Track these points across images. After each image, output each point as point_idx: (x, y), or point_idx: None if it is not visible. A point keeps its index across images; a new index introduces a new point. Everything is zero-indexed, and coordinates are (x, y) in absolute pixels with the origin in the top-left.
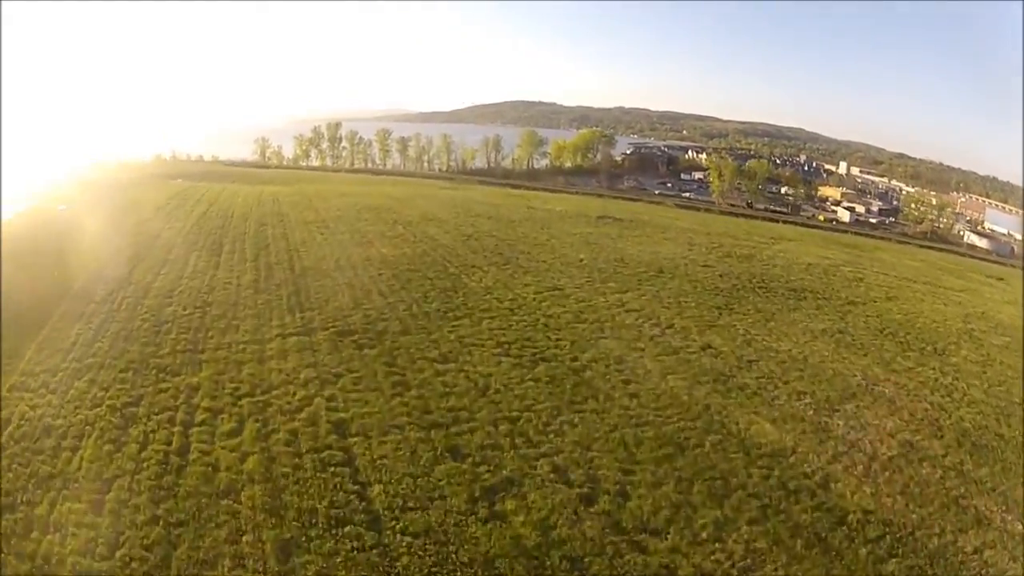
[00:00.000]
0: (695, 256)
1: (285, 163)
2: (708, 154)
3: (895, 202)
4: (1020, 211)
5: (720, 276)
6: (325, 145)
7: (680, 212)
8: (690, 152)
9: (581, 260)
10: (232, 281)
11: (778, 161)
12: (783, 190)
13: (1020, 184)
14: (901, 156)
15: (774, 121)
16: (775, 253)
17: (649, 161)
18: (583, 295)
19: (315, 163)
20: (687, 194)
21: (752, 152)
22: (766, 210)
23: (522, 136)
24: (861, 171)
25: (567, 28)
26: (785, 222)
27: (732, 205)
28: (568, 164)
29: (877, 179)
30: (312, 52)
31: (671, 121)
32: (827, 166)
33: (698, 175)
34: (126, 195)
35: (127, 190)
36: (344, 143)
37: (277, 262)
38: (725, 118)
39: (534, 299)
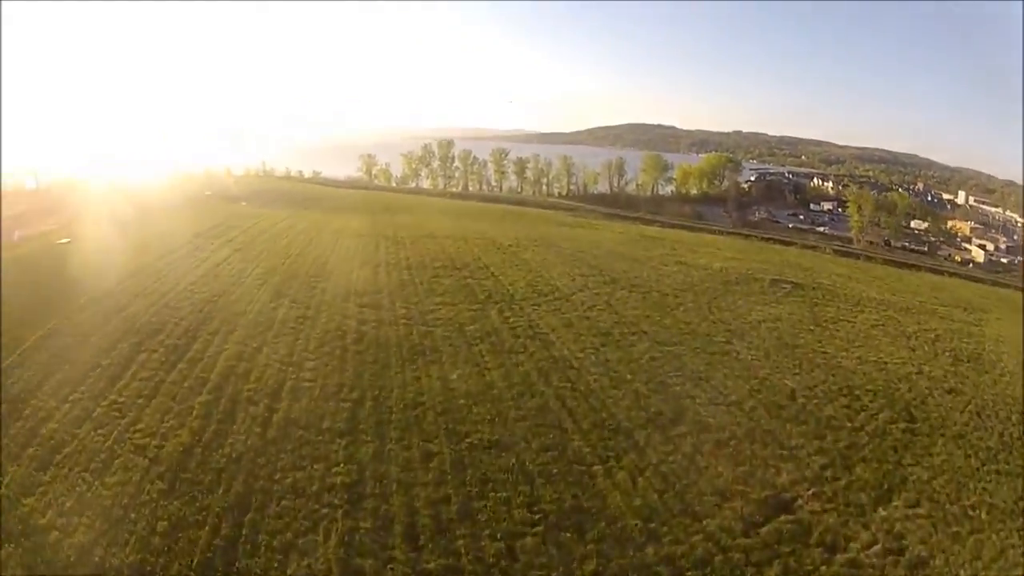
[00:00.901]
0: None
1: (394, 182)
2: (835, 183)
3: (1015, 237)
4: None
5: None
6: (436, 164)
7: (848, 265)
8: (815, 179)
9: (795, 397)
10: None
11: (901, 190)
12: (921, 225)
13: None
14: (1010, 183)
15: (888, 146)
16: None
17: (776, 189)
18: None
19: (425, 183)
20: (821, 228)
21: (872, 179)
22: (904, 249)
23: (646, 160)
24: (975, 200)
25: (684, 52)
26: (934, 269)
27: (872, 243)
28: (694, 190)
29: (991, 209)
30: (430, 68)
31: (789, 146)
32: (946, 195)
33: (827, 205)
34: (148, 225)
35: (159, 216)
36: (457, 163)
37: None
38: (841, 143)
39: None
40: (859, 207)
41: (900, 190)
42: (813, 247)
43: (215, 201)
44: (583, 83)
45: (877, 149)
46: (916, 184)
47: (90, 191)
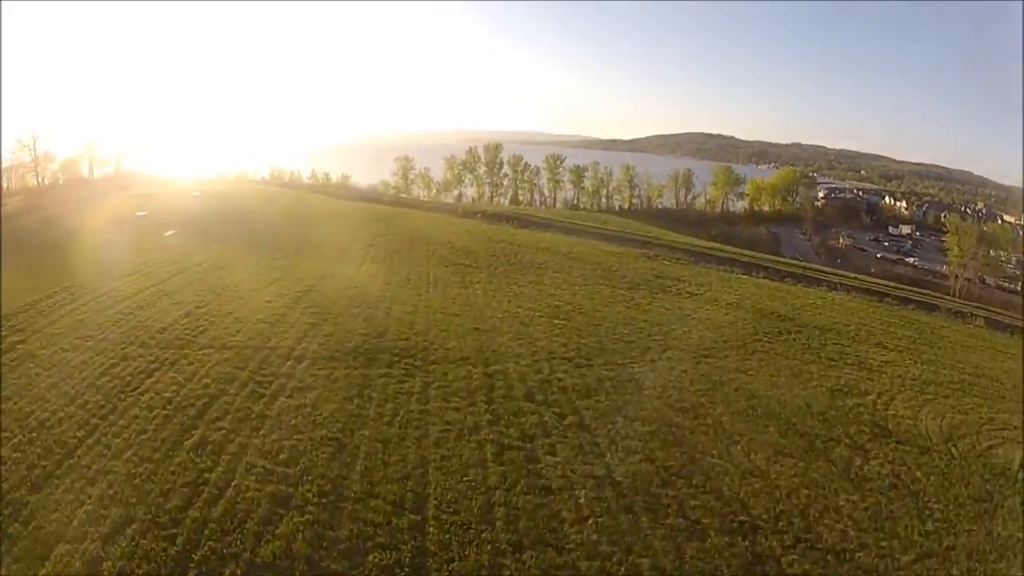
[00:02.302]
0: None
1: (434, 188)
2: (908, 203)
3: None
4: None
5: None
6: (482, 170)
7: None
8: (887, 198)
9: None
10: None
11: (965, 210)
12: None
13: None
14: None
15: (944, 163)
16: None
17: (852, 209)
18: None
19: (469, 191)
20: (911, 259)
21: (934, 198)
22: (998, 287)
23: (716, 173)
24: None
25: (746, 61)
26: None
27: (968, 280)
28: (766, 207)
29: None
30: (478, 67)
31: (848, 160)
32: (1007, 216)
33: (905, 229)
34: None
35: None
36: (506, 168)
37: None
38: (899, 158)
39: None
40: (958, 239)
41: (965, 210)
42: (967, 316)
43: (130, 230)
44: (644, 88)
45: (934, 165)
46: (976, 204)
47: None
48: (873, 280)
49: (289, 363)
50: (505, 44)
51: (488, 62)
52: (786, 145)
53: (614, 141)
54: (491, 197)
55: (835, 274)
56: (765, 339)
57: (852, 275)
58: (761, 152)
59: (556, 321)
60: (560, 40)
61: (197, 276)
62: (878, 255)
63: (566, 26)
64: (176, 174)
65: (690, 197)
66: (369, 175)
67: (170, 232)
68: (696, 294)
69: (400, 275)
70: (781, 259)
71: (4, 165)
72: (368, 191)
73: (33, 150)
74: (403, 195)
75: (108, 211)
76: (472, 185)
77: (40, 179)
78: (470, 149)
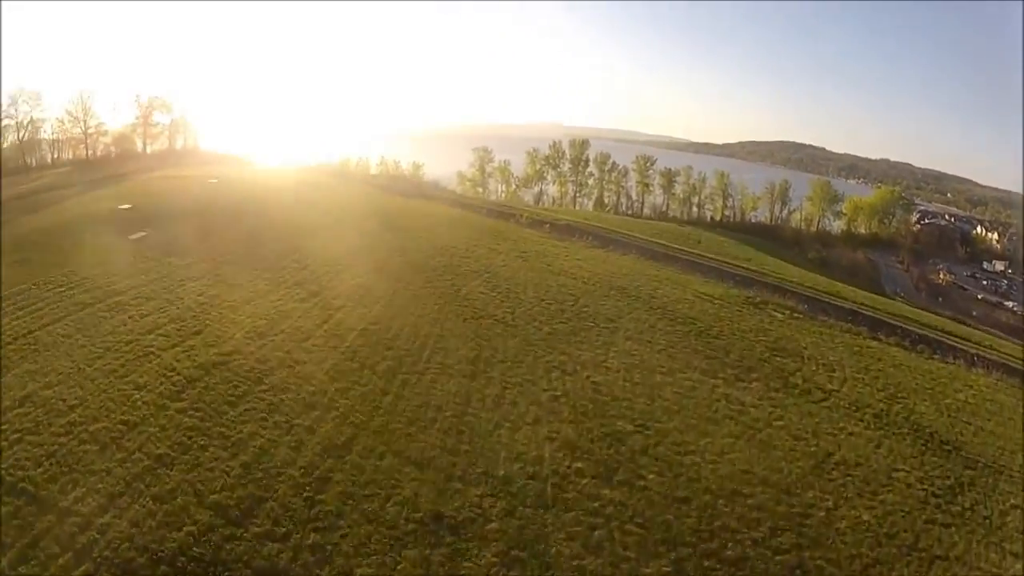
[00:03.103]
0: None
1: (513, 184)
2: (1000, 234)
3: None
4: None
5: None
6: (566, 167)
7: None
8: (978, 227)
9: None
10: None
11: None
12: None
13: None
14: None
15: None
16: None
17: (947, 238)
18: None
19: (551, 188)
20: (1011, 304)
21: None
22: None
23: (814, 188)
24: None
25: (841, 69)
26: None
27: None
28: (862, 228)
29: None
30: (567, 60)
31: (934, 181)
32: None
33: (999, 265)
34: None
35: None
36: (592, 167)
37: None
38: (983, 183)
39: None
40: None
41: None
42: None
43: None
44: (737, 92)
45: (1017, 193)
46: None
47: None
48: (1005, 352)
49: None
50: (592, 39)
51: (574, 56)
52: (875, 160)
53: (706, 145)
54: (574, 197)
55: (966, 341)
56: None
57: (983, 340)
58: (851, 166)
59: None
60: (651, 39)
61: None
62: (978, 295)
63: (657, 25)
64: (257, 158)
65: (785, 212)
66: (442, 165)
67: (140, 234)
68: (830, 393)
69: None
70: (888, 299)
71: (52, 136)
72: (437, 190)
73: (83, 121)
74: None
75: (97, 202)
76: (554, 183)
77: (90, 151)
78: (554, 144)
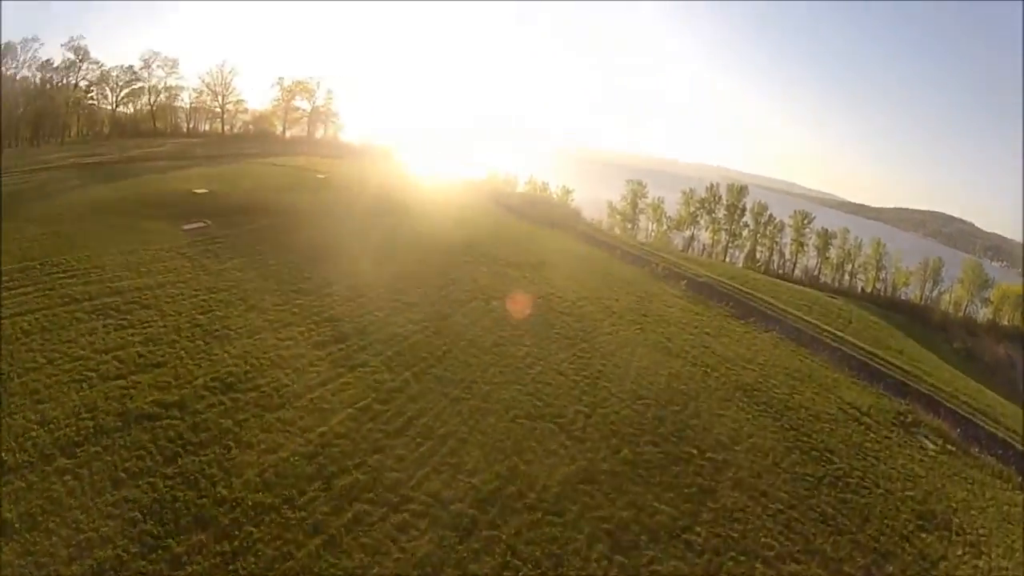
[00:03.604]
0: None
1: (664, 223)
2: None
3: None
4: None
5: None
6: (721, 213)
7: None
8: None
9: None
10: None
11: None
12: None
13: None
14: None
15: None
16: None
17: None
18: None
19: (703, 235)
20: None
21: None
22: None
23: (966, 269)
24: None
25: (992, 147)
26: None
27: None
28: (1005, 320)
29: None
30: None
31: None
32: None
33: None
34: None
35: None
36: (747, 217)
37: None
38: None
39: None
40: None
41: None
42: None
43: (161, 211)
44: (892, 158)
45: None
46: None
47: None
48: None
49: None
50: (763, 90)
51: (744, 102)
52: (1018, 243)
53: (860, 207)
54: (726, 248)
55: None
56: None
57: None
58: (996, 247)
59: None
60: (815, 101)
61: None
62: None
63: (820, 88)
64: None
65: (936, 292)
66: (594, 191)
67: (195, 225)
68: None
69: None
70: None
71: (190, 104)
72: (581, 221)
73: (221, 95)
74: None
75: (182, 182)
76: (707, 228)
77: (227, 126)
78: (711, 186)
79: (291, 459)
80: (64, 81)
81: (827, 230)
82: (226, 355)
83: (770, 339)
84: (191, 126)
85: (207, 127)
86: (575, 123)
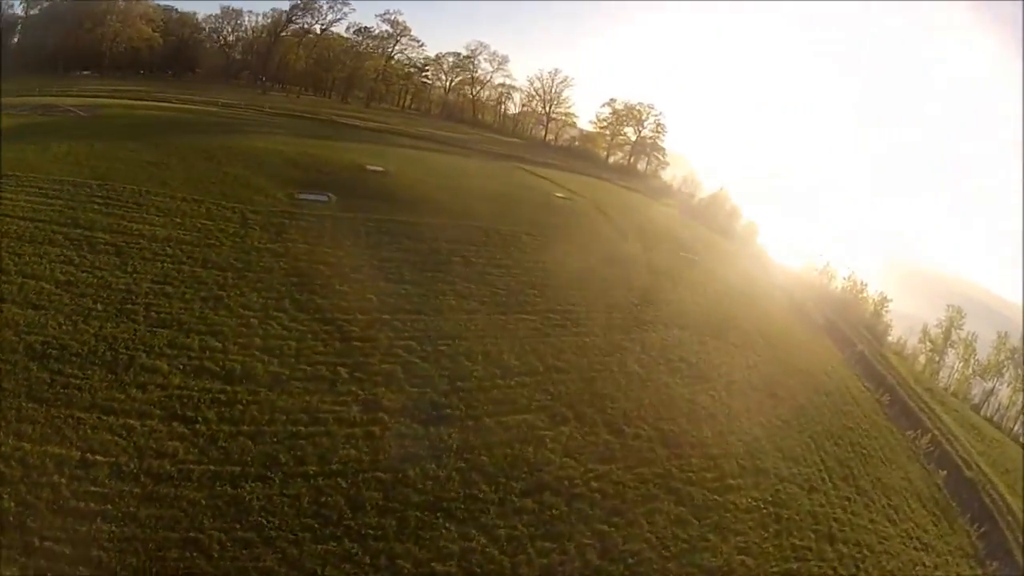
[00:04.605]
0: None
1: (972, 364)
2: None
3: None
4: None
5: None
6: None
7: None
8: None
9: None
10: None
11: None
12: None
13: None
14: None
15: None
16: None
17: None
18: None
19: (1004, 391)
20: None
21: None
22: None
23: None
24: None
25: None
26: None
27: None
28: None
29: None
30: None
31: None
32: None
33: None
34: None
35: None
36: None
37: None
38: None
39: None
40: None
41: None
42: None
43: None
44: None
45: None
46: None
47: None
48: None
49: None
50: None
51: None
52: None
53: None
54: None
55: None
56: None
57: None
58: None
59: None
60: None
61: None
62: None
63: None
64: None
65: None
66: (918, 306)
67: (311, 196)
68: None
69: None
70: None
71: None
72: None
73: (549, 104)
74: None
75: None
76: (1009, 385)
77: (550, 136)
78: None
79: None
80: (381, 50)
81: None
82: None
83: None
84: (515, 126)
85: (530, 132)
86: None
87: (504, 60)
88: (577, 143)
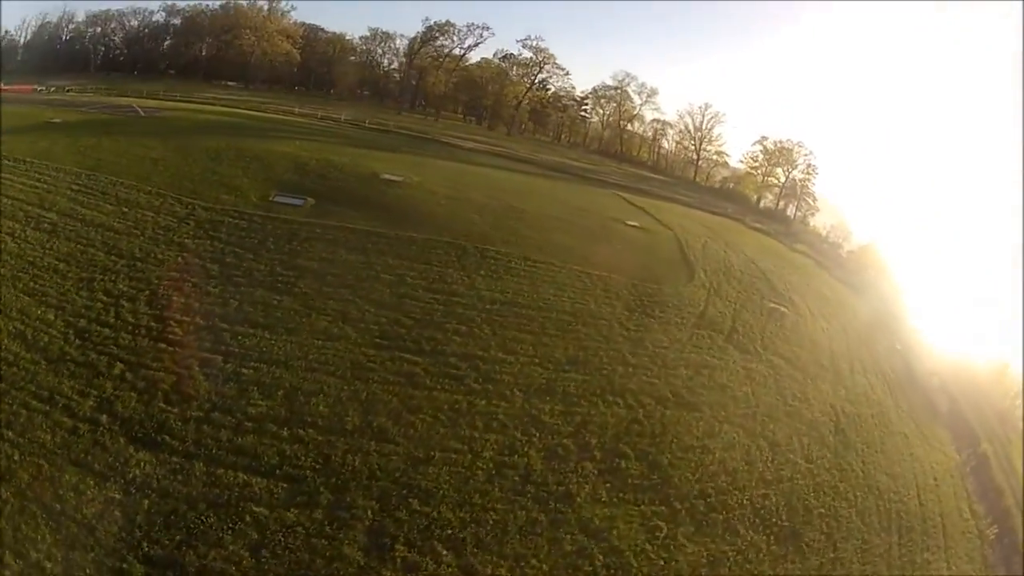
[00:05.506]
0: None
1: None
2: None
3: None
4: None
5: None
6: None
7: None
8: None
9: None
10: None
11: None
12: None
13: None
14: None
15: None
16: None
17: None
18: None
19: None
20: None
21: None
22: None
23: None
24: None
25: None
26: None
27: None
28: None
29: None
30: None
31: None
32: None
33: None
34: None
35: None
36: None
37: None
38: None
39: None
40: None
41: None
42: None
43: None
44: None
45: None
46: None
47: None
48: None
49: None
50: None
51: None
52: None
53: None
54: None
55: None
56: None
57: None
58: None
59: None
60: None
61: None
62: None
63: None
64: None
65: None
66: None
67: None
68: None
69: None
70: None
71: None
72: None
73: (698, 140)
74: None
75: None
76: None
77: (700, 176)
78: None
79: None
80: (524, 77)
81: None
82: None
83: None
84: (664, 163)
85: (680, 171)
86: None
87: (653, 92)
88: (731, 184)
